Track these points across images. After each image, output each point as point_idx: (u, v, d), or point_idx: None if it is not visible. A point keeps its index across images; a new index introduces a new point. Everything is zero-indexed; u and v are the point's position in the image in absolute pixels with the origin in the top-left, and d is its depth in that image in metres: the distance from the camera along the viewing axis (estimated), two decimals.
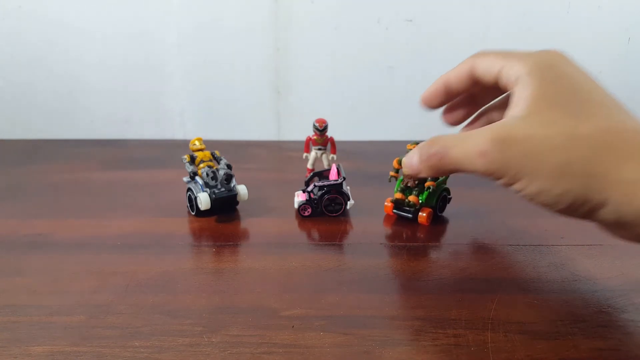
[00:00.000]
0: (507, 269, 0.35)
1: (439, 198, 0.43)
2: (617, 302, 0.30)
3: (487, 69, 0.35)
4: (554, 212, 0.28)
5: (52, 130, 0.70)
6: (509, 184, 0.28)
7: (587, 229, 0.41)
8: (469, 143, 0.29)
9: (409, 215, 0.42)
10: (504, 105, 0.37)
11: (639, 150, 0.27)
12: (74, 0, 0.64)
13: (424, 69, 0.66)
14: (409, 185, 0.42)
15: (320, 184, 0.43)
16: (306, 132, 0.50)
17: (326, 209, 0.44)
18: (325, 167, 0.50)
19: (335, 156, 0.51)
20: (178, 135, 0.71)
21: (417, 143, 0.40)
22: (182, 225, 0.42)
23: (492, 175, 0.29)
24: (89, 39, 0.66)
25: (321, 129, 0.49)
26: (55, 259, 0.36)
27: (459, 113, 0.40)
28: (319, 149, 0.50)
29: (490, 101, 0.39)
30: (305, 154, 0.51)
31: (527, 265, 0.35)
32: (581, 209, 0.27)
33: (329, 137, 0.50)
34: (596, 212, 0.27)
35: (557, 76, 0.31)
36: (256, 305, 0.30)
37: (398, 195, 0.43)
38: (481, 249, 0.38)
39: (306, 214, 0.44)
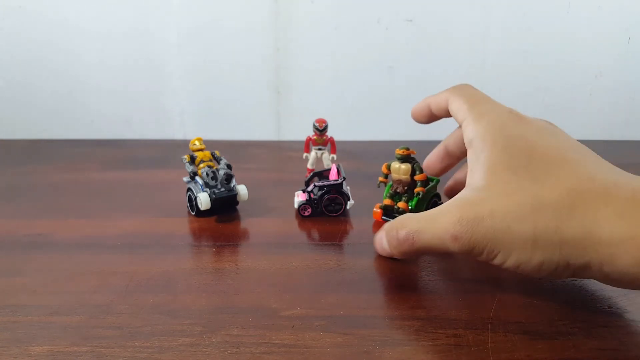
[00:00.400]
0: (507, 268, 0.35)
1: (429, 204, 0.42)
2: (617, 302, 0.30)
3: (454, 113, 0.35)
4: (542, 278, 0.28)
5: (52, 130, 0.70)
6: (488, 260, 0.28)
7: None
8: (438, 227, 0.29)
9: None
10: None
11: (612, 206, 0.25)
12: (74, 0, 0.64)
13: (424, 69, 0.66)
14: (398, 191, 0.41)
15: (320, 184, 0.43)
16: (306, 132, 0.50)
17: (326, 209, 0.44)
18: (325, 167, 0.50)
19: (335, 156, 0.51)
20: (178, 135, 0.71)
21: (407, 148, 0.40)
22: (182, 225, 0.42)
23: (469, 254, 0.28)
24: (89, 39, 0.66)
25: (321, 129, 0.49)
26: (55, 259, 0.36)
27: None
28: (319, 149, 0.50)
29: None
30: (305, 154, 0.51)
31: None
32: (566, 272, 0.27)
33: (329, 137, 0.50)
34: (582, 273, 0.27)
35: (510, 138, 0.30)
36: (256, 305, 0.30)
37: (387, 201, 0.42)
38: None
39: (306, 214, 0.44)
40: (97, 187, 0.52)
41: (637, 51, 0.64)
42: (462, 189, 0.31)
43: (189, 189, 0.44)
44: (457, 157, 0.41)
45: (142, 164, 0.59)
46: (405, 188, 0.41)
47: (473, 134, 0.32)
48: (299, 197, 0.44)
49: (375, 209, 0.42)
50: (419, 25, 0.64)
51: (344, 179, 0.44)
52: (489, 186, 0.29)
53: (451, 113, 0.36)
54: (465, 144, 0.33)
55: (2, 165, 0.59)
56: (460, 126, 0.35)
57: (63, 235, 0.40)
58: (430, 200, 0.42)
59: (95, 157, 0.62)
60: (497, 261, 0.28)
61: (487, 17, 0.64)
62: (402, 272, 0.34)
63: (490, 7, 0.63)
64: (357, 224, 0.43)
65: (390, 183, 0.42)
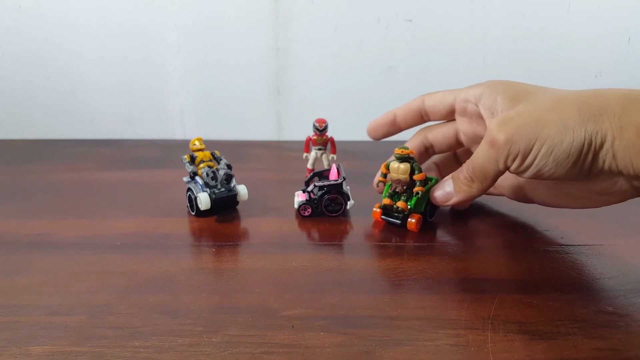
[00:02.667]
0: (507, 269, 0.35)
1: (428, 203, 0.41)
2: (617, 302, 0.30)
3: (439, 102, 0.41)
4: (566, 176, 0.31)
5: (52, 129, 0.70)
6: (525, 156, 0.31)
7: (587, 229, 0.41)
8: (481, 145, 0.34)
9: (398, 221, 0.41)
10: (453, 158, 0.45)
11: (622, 98, 0.30)
12: (74, 0, 0.64)
13: (424, 69, 0.66)
14: (397, 190, 0.41)
15: (320, 184, 0.43)
16: (306, 132, 0.50)
17: (326, 209, 0.44)
18: (325, 167, 0.50)
19: (335, 156, 0.51)
20: (178, 135, 0.71)
21: (406, 148, 0.41)
22: (182, 225, 0.42)
23: (508, 157, 0.32)
24: (89, 38, 0.66)
25: (321, 129, 0.49)
26: (55, 259, 0.36)
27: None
28: (319, 149, 0.50)
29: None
30: (305, 154, 0.51)
31: (527, 265, 0.35)
32: (588, 157, 0.30)
33: (329, 137, 0.50)
34: (598, 157, 0.30)
35: (514, 84, 0.36)
36: (256, 305, 0.30)
37: (386, 201, 0.41)
38: (481, 250, 0.38)
39: (306, 214, 0.44)
40: (97, 187, 0.52)
41: (637, 51, 0.64)
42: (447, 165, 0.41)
43: (189, 189, 0.44)
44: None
45: (142, 164, 0.59)
46: (405, 188, 0.41)
47: (479, 90, 0.37)
48: (299, 197, 0.44)
49: (374, 209, 0.42)
50: (419, 25, 0.64)
51: (344, 179, 0.44)
52: (512, 106, 0.34)
53: (430, 105, 0.42)
54: (465, 108, 0.39)
55: (2, 165, 0.59)
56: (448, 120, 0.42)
57: (63, 235, 0.40)
58: (430, 200, 0.42)
59: (95, 157, 0.62)
60: (532, 154, 0.31)
61: (487, 17, 0.64)
62: (402, 272, 0.34)
63: (490, 7, 0.63)
64: (357, 224, 0.43)
65: (390, 183, 0.42)
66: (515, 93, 0.34)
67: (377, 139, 0.45)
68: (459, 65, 0.66)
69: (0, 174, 0.55)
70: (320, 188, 0.43)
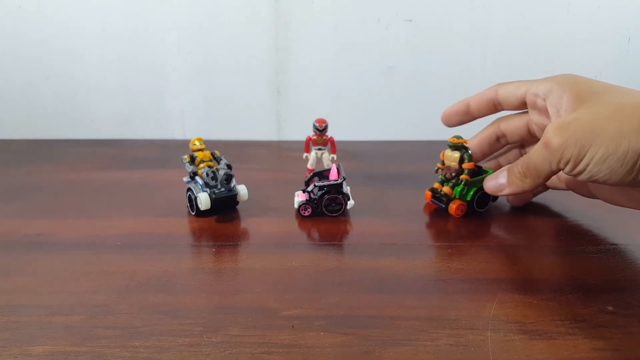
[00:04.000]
0: (507, 269, 0.35)
1: (477, 193, 0.43)
2: (617, 302, 0.30)
3: (512, 93, 0.41)
4: (620, 182, 0.31)
5: (52, 130, 0.70)
6: (577, 161, 0.32)
7: (587, 229, 0.41)
8: (537, 144, 0.34)
9: (443, 205, 0.44)
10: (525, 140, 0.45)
11: None
12: (74, 0, 0.64)
13: (424, 69, 0.66)
14: (446, 176, 0.44)
15: (320, 184, 0.43)
16: (306, 132, 0.50)
17: (326, 209, 0.44)
18: (325, 167, 0.50)
19: (335, 156, 0.51)
20: (178, 135, 0.71)
21: (459, 137, 0.43)
22: (182, 225, 0.42)
23: (562, 160, 0.33)
24: (89, 38, 0.66)
25: (321, 129, 0.49)
26: (55, 259, 0.36)
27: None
28: (319, 149, 0.50)
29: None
30: (305, 154, 0.51)
31: (527, 265, 0.35)
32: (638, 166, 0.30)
33: (329, 137, 0.50)
34: None
35: (582, 83, 0.36)
36: (256, 305, 0.30)
37: (437, 184, 0.45)
38: (481, 249, 0.38)
39: (306, 214, 0.44)
40: (97, 187, 0.52)
41: (637, 51, 0.64)
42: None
43: (189, 189, 0.44)
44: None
45: (142, 164, 0.59)
46: (453, 175, 0.43)
47: (549, 86, 0.37)
48: (299, 197, 0.44)
49: (427, 191, 0.46)
50: (419, 25, 0.64)
51: (344, 179, 0.44)
52: (575, 109, 0.34)
53: (503, 96, 0.42)
54: (535, 101, 0.39)
55: (2, 165, 0.59)
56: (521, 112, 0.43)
57: (63, 235, 0.40)
58: (479, 190, 0.43)
59: (95, 157, 0.62)
60: (585, 159, 0.31)
61: (487, 17, 0.64)
62: (402, 272, 0.34)
63: (490, 7, 0.63)
64: (357, 224, 0.43)
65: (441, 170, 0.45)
66: (581, 93, 0.35)
67: (451, 126, 0.46)
68: (459, 65, 0.66)
69: (0, 174, 0.55)
70: (320, 188, 0.43)
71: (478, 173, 0.44)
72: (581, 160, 0.32)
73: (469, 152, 0.43)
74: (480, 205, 0.44)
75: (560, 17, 0.63)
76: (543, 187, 0.45)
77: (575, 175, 0.33)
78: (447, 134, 0.44)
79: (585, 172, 0.32)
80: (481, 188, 0.43)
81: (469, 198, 0.43)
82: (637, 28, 0.63)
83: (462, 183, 0.43)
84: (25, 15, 0.64)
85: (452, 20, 0.64)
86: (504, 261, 0.36)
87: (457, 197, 0.43)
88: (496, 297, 0.31)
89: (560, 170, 0.34)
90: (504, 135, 0.45)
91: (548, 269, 0.35)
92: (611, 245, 0.38)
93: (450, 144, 0.43)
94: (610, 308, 0.30)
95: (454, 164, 0.43)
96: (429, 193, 0.45)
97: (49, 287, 0.32)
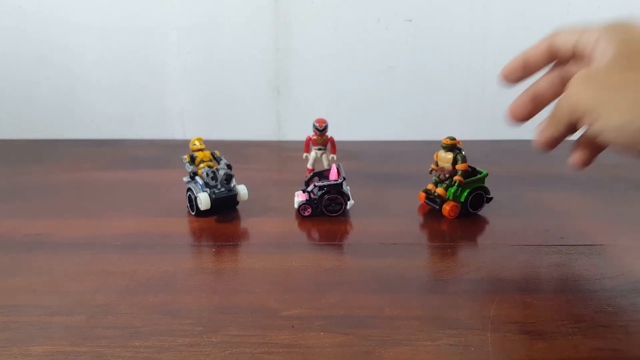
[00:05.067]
0: (507, 269, 0.35)
1: (471, 195, 0.43)
2: (617, 302, 0.30)
3: (566, 41, 0.38)
4: (635, 153, 0.29)
5: (52, 129, 0.70)
6: (593, 120, 0.30)
7: (587, 229, 0.41)
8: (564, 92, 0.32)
9: (437, 206, 0.44)
10: None
11: None
12: (74, 0, 0.64)
13: (424, 69, 0.66)
14: (440, 178, 0.44)
15: (320, 184, 0.43)
16: (306, 132, 0.50)
17: (326, 209, 0.44)
18: (325, 167, 0.50)
19: (335, 156, 0.51)
20: (178, 135, 0.71)
21: (452, 138, 0.42)
22: (182, 225, 0.42)
23: (578, 111, 0.31)
24: (89, 38, 0.66)
25: (321, 129, 0.49)
26: (55, 259, 0.36)
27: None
28: (319, 149, 0.50)
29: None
30: (305, 154, 0.51)
31: (527, 265, 0.35)
32: None
33: (329, 137, 0.50)
34: None
35: (630, 39, 0.34)
36: (256, 305, 0.30)
37: (430, 186, 0.45)
38: (481, 249, 0.38)
39: (306, 214, 0.44)
40: (97, 187, 0.52)
41: None
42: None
43: (189, 189, 0.44)
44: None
45: (142, 164, 0.59)
46: (447, 176, 0.43)
47: (597, 36, 0.35)
48: (299, 197, 0.44)
49: (421, 192, 0.45)
50: (419, 25, 0.64)
51: (344, 179, 0.44)
52: (609, 64, 0.32)
53: (559, 44, 0.38)
54: (584, 50, 0.36)
55: (2, 165, 0.59)
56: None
57: (63, 235, 0.40)
58: (473, 192, 0.43)
59: (95, 157, 0.62)
60: (601, 122, 0.29)
61: (487, 17, 0.64)
62: (402, 272, 0.34)
63: (490, 7, 0.63)
64: (357, 224, 0.43)
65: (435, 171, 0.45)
66: (630, 52, 0.33)
67: (512, 84, 0.42)
68: (459, 65, 0.66)
69: (0, 174, 0.55)
70: (320, 188, 0.43)
71: (472, 174, 0.43)
72: (596, 120, 0.30)
73: (462, 153, 0.43)
74: (474, 206, 0.44)
75: (560, 17, 0.63)
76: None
77: (595, 137, 0.31)
78: (447, 134, 0.44)
79: (600, 135, 0.30)
80: (475, 189, 0.43)
81: (462, 199, 0.43)
82: None
83: (456, 184, 0.42)
84: (25, 14, 0.64)
85: (452, 20, 0.64)
86: (503, 261, 0.36)
87: (450, 198, 0.43)
88: (496, 297, 0.31)
89: (578, 122, 0.32)
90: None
91: (548, 269, 0.35)
92: (611, 245, 0.38)
93: (444, 145, 0.43)
94: (610, 308, 0.30)
95: (448, 165, 0.43)
96: (423, 194, 0.45)
97: (49, 287, 0.32)
